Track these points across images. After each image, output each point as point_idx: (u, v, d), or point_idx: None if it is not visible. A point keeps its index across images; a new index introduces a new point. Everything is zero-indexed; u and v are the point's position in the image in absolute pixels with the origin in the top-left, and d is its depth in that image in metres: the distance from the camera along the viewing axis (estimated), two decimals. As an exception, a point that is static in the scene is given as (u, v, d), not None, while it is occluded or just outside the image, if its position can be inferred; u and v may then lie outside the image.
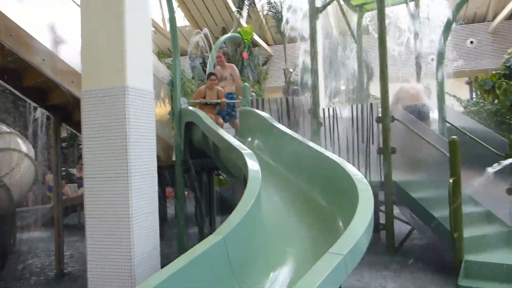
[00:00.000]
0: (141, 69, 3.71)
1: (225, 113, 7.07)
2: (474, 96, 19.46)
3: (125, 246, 3.34)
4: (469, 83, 19.36)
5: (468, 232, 5.09)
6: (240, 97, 7.14)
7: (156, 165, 3.82)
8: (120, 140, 3.42)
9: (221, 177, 10.59)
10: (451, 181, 4.90)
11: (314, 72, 6.86)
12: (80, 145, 13.70)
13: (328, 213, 3.95)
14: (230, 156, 4.72)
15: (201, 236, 7.47)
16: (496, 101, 14.68)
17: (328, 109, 6.92)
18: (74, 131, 7.83)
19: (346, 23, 8.64)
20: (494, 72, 15.28)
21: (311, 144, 4.70)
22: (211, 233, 8.34)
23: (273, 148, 5.37)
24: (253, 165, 3.96)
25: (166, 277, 2.57)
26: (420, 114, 6.42)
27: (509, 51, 16.91)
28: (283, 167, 4.97)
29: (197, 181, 7.74)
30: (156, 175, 3.80)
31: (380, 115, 6.12)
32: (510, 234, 5.49)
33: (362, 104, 6.70)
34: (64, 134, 14.32)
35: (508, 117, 14.17)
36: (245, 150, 4.29)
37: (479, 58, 19.97)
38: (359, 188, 3.45)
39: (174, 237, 7.05)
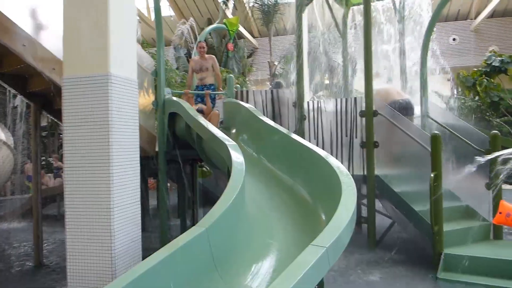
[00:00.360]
0: (125, 57, 3.64)
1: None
2: (455, 92, 19.77)
3: (105, 237, 3.29)
4: (451, 79, 19.60)
5: (447, 226, 5.18)
6: (220, 88, 7.15)
7: (138, 156, 3.77)
8: (103, 130, 3.36)
9: (204, 168, 10.55)
10: (432, 175, 4.96)
11: (299, 65, 6.86)
12: (61, 134, 13.48)
13: (310, 206, 3.95)
14: (213, 147, 4.69)
15: (184, 228, 7.44)
16: (477, 98, 14.96)
17: (313, 102, 6.93)
18: (55, 120, 7.69)
19: (332, 17, 8.64)
20: (475, 69, 15.55)
21: (295, 136, 4.70)
22: (193, 225, 8.32)
23: (257, 140, 5.35)
24: (237, 156, 3.94)
25: (147, 268, 2.54)
26: (405, 109, 6.46)
27: (490, 49, 17.24)
28: (266, 160, 4.96)
29: (180, 172, 7.70)
30: (138, 165, 3.75)
31: (364, 109, 6.16)
32: (488, 228, 5.61)
33: (346, 98, 6.73)
34: (44, 122, 14.06)
35: (488, 113, 14.46)
36: (229, 142, 4.26)
37: (461, 55, 20.24)
38: (342, 181, 3.46)
39: (156, 229, 7.00)
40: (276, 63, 19.43)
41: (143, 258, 3.69)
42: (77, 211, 3.40)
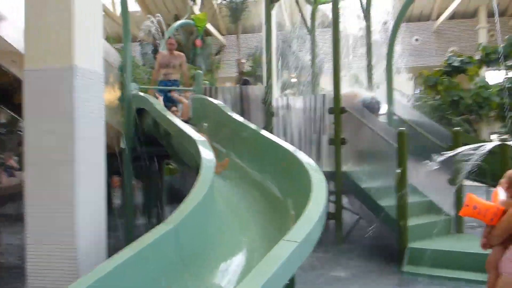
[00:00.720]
0: (91, 49, 3.51)
1: (166, 99, 7.02)
2: (417, 91, 20.34)
3: (68, 236, 3.16)
4: (413, 79, 20.14)
5: (412, 221, 5.29)
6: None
7: (104, 152, 3.65)
8: (66, 125, 3.23)
9: (170, 166, 10.41)
10: (398, 171, 5.07)
11: (268, 62, 6.87)
12: (20, 131, 12.96)
13: (280, 202, 3.95)
14: (182, 143, 4.62)
15: (149, 227, 7.31)
16: (438, 96, 15.45)
17: (282, 99, 6.96)
18: (15, 115, 7.39)
19: (300, 14, 8.69)
20: (437, 69, 16.06)
21: (264, 132, 4.69)
22: (159, 224, 8.13)
23: (226, 137, 5.31)
24: (206, 152, 3.89)
25: (112, 268, 2.45)
26: (372, 107, 6.57)
27: (450, 49, 17.83)
28: (236, 156, 4.93)
29: (145, 170, 7.57)
30: (104, 162, 3.63)
31: (332, 106, 6.22)
32: (450, 222, 5.78)
33: (315, 95, 6.78)
34: (2, 119, 13.51)
35: (448, 112, 14.95)
36: (198, 137, 4.21)
37: (423, 55, 20.81)
38: (312, 176, 3.47)
39: (120, 228, 6.84)
40: (244, 60, 19.38)
41: (109, 257, 3.59)
42: (38, 209, 3.25)
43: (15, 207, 9.15)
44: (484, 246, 2.67)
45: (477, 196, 2.72)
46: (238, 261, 3.27)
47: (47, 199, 3.24)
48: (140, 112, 6.06)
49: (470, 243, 5.26)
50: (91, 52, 3.52)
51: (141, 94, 6.05)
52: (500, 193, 2.75)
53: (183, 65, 7.51)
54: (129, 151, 6.12)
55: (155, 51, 16.25)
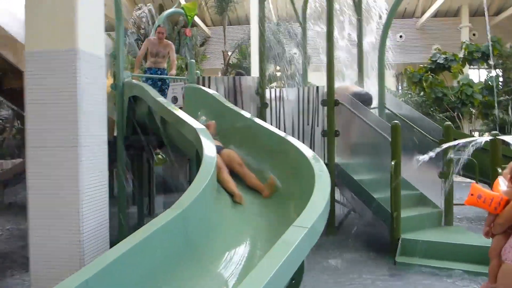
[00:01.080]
0: (93, 32, 3.45)
1: (158, 89, 7.00)
2: (400, 88, 20.60)
3: (74, 221, 3.11)
4: (397, 75, 20.37)
5: (403, 213, 5.38)
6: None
7: (106, 137, 3.60)
8: (70, 108, 3.17)
9: (159, 156, 10.32)
10: (392, 163, 5.15)
11: (260, 53, 6.85)
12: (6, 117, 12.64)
13: (280, 191, 3.98)
14: (180, 131, 4.58)
15: (141, 216, 7.26)
16: (422, 93, 15.68)
17: (275, 90, 6.95)
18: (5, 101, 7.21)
19: (292, 5, 8.68)
20: (421, 66, 16.28)
21: (261, 122, 4.68)
22: (150, 213, 8.10)
23: (223, 127, 5.28)
24: (206, 140, 3.88)
25: (125, 250, 2.43)
26: (364, 100, 6.63)
27: (434, 46, 18.08)
28: (234, 146, 4.91)
29: (136, 159, 7.49)
30: (106, 146, 3.58)
31: (325, 98, 6.26)
32: (440, 215, 5.90)
33: (308, 86, 6.80)
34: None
35: (432, 108, 15.20)
36: (197, 125, 4.19)
37: (407, 52, 21.06)
38: (313, 165, 3.51)
39: (112, 217, 6.76)
40: (229, 52, 19.31)
41: (110, 243, 3.56)
42: (41, 195, 3.19)
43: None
44: (487, 234, 2.72)
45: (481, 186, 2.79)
46: (242, 249, 3.28)
47: (51, 183, 3.18)
48: (132, 100, 5.98)
49: (460, 235, 5.41)
50: (93, 36, 3.46)
51: (135, 82, 5.97)
52: (501, 183, 2.82)
53: (171, 54, 7.54)
54: (122, 140, 6.04)
55: (141, 40, 16.06)
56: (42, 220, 3.17)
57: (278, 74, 17.30)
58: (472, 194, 2.77)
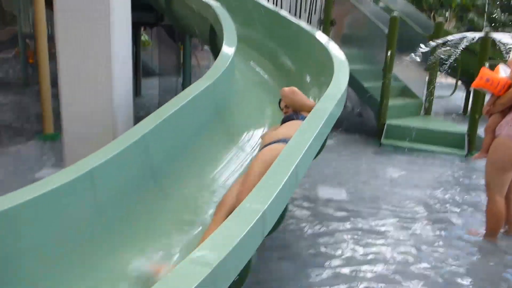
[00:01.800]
0: None
1: None
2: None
3: (107, 86, 3.23)
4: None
5: (389, 102, 5.83)
6: None
7: (130, 9, 3.59)
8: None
9: (143, 37, 10.15)
10: (388, 53, 5.45)
11: None
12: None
13: (294, 71, 4.23)
14: (190, 7, 4.54)
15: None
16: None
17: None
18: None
19: None
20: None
21: (282, 12, 4.66)
22: (136, 95, 8.10)
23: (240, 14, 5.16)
24: (225, 16, 3.93)
25: (163, 119, 2.48)
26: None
27: None
28: (252, 31, 4.89)
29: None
30: (130, 18, 3.58)
31: (324, -14, 6.27)
32: (420, 105, 6.42)
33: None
34: None
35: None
36: (213, 2, 4.20)
37: None
38: (328, 48, 3.75)
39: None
40: None
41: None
42: (72, 59, 3.24)
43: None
44: (487, 112, 3.18)
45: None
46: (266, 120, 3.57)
47: (81, 47, 3.22)
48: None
49: (435, 123, 6.02)
50: None
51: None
52: (502, 70, 3.20)
53: None
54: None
55: None
56: (74, 84, 3.21)
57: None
58: (481, 77, 3.15)
